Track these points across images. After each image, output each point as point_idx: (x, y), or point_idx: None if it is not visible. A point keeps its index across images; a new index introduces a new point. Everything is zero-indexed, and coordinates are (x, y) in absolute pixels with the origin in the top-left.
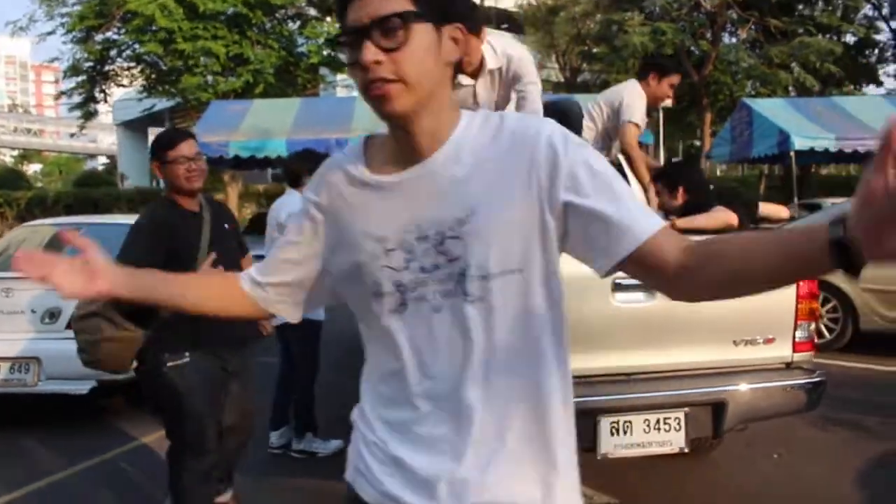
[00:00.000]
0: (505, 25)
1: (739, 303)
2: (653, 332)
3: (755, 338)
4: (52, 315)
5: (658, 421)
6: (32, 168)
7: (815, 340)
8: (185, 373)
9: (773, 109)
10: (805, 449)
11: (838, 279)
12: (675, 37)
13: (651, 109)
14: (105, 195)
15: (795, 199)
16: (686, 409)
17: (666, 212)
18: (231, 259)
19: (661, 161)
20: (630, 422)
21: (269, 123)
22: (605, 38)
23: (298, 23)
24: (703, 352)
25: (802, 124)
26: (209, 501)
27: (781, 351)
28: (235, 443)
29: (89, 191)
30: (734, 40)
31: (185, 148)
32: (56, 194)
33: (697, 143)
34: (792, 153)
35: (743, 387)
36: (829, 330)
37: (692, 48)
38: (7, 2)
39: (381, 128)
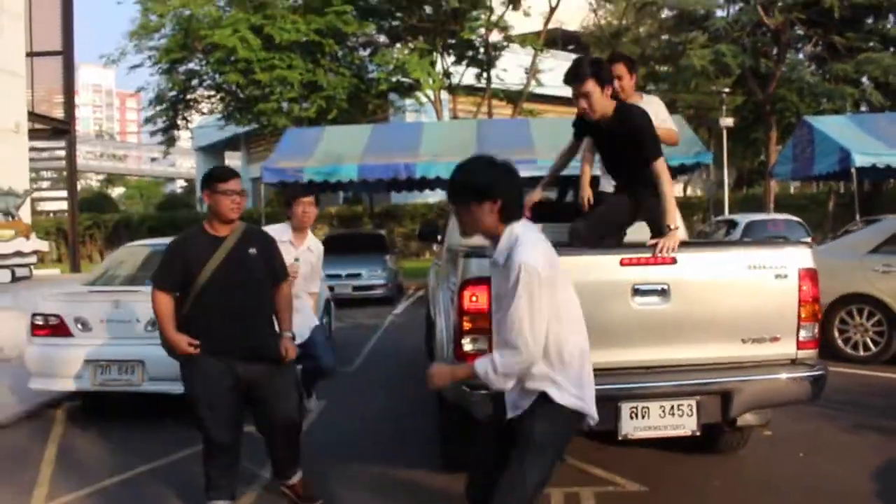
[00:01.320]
0: (571, 46)
1: (748, 307)
2: (668, 331)
3: (762, 336)
4: (153, 324)
5: (672, 407)
6: (116, 192)
7: (818, 339)
8: (192, 366)
9: (834, 126)
10: (830, 450)
11: (884, 294)
12: (734, 58)
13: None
14: (186, 217)
15: (857, 216)
16: (697, 397)
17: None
18: (238, 278)
19: (725, 178)
20: (647, 407)
21: (341, 149)
22: (670, 58)
23: (369, 50)
24: (714, 349)
25: (865, 141)
26: (217, 479)
27: (786, 349)
28: (282, 443)
29: (171, 213)
30: (801, 56)
31: (234, 184)
32: (141, 217)
33: (763, 159)
34: (853, 170)
35: (748, 378)
36: (875, 343)
37: (755, 66)
38: (100, 36)
39: (446, 154)
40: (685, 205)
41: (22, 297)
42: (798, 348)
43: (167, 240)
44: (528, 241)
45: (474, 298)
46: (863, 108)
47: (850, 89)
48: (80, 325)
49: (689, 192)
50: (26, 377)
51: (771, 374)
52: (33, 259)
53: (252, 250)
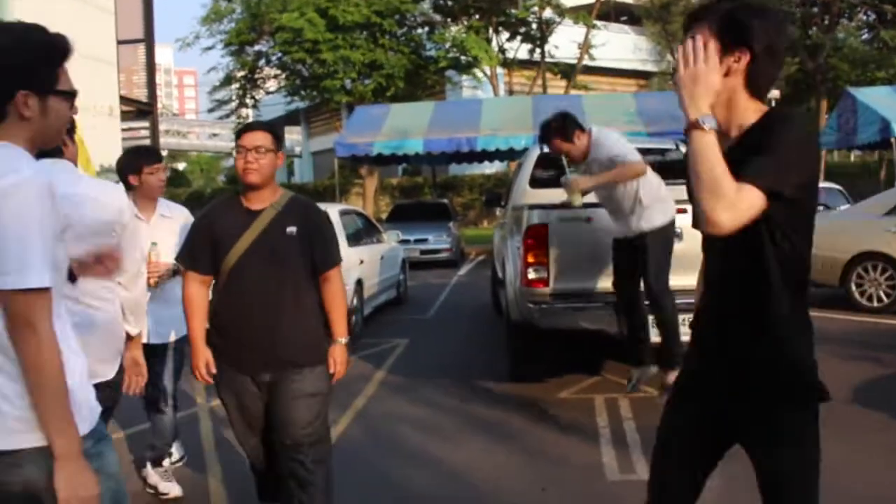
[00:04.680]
0: (624, 18)
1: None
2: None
3: None
4: None
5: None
6: (179, 167)
7: None
8: (218, 381)
9: (876, 97)
10: (821, 370)
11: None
12: None
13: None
14: None
15: None
16: None
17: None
18: (270, 257)
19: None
20: None
21: (407, 125)
22: None
23: (427, 28)
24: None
25: None
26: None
27: None
28: (300, 456)
29: (238, 186)
30: (853, 24)
31: (248, 139)
32: (213, 190)
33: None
34: (893, 139)
35: None
36: (887, 296)
37: (804, 37)
38: (162, 18)
39: (504, 128)
40: None
41: None
42: None
43: None
44: None
45: (536, 239)
46: None
47: None
48: None
49: None
50: None
51: None
52: None
53: (291, 229)
